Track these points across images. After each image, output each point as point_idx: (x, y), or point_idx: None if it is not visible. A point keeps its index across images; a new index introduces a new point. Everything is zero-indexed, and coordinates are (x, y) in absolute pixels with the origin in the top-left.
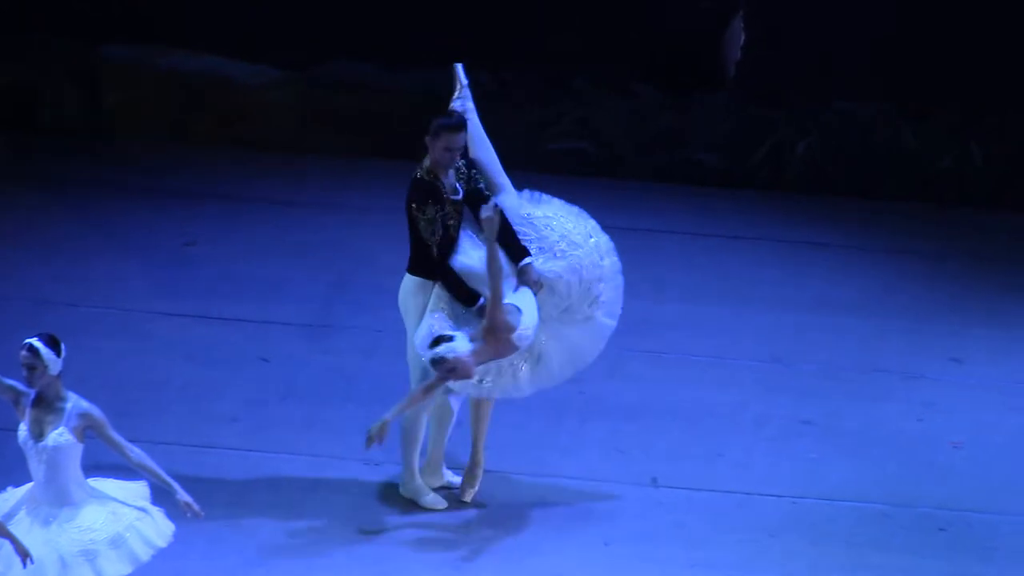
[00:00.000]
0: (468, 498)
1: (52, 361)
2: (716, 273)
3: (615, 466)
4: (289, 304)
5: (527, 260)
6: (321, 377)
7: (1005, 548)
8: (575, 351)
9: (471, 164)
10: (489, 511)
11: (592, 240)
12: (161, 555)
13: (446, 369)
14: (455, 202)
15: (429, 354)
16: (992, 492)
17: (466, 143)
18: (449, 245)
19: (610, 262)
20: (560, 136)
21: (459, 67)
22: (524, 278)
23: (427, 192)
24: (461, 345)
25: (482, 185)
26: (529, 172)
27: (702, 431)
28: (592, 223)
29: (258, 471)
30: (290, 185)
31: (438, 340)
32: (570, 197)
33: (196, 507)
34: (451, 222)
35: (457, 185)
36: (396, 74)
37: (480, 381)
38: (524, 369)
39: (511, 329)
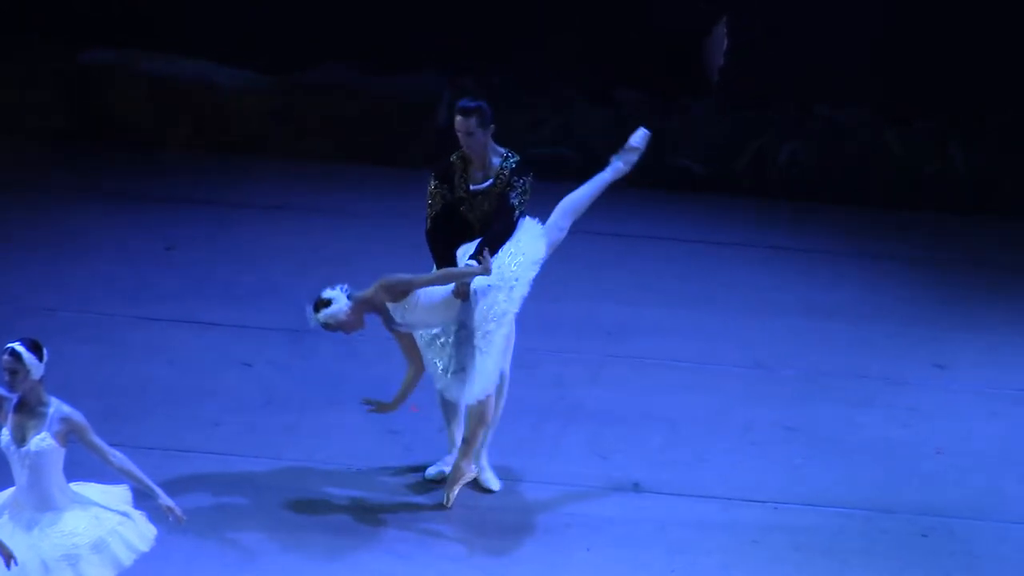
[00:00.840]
0: (449, 503)
1: (34, 366)
2: (699, 278)
3: (597, 471)
4: (272, 308)
5: (474, 263)
6: (303, 382)
7: (987, 555)
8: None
9: (520, 173)
10: (471, 516)
11: (501, 294)
12: (143, 559)
13: (334, 331)
14: (471, 191)
15: (313, 320)
16: (975, 498)
17: (473, 132)
18: (457, 225)
19: (488, 329)
20: (543, 142)
21: (642, 133)
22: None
23: (438, 168)
24: (338, 306)
25: (514, 194)
26: None
27: (684, 436)
28: (522, 290)
29: (240, 476)
30: (273, 189)
31: (318, 305)
32: (552, 202)
33: (178, 511)
34: (463, 207)
35: (491, 179)
36: (381, 78)
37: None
38: (450, 372)
39: (393, 298)
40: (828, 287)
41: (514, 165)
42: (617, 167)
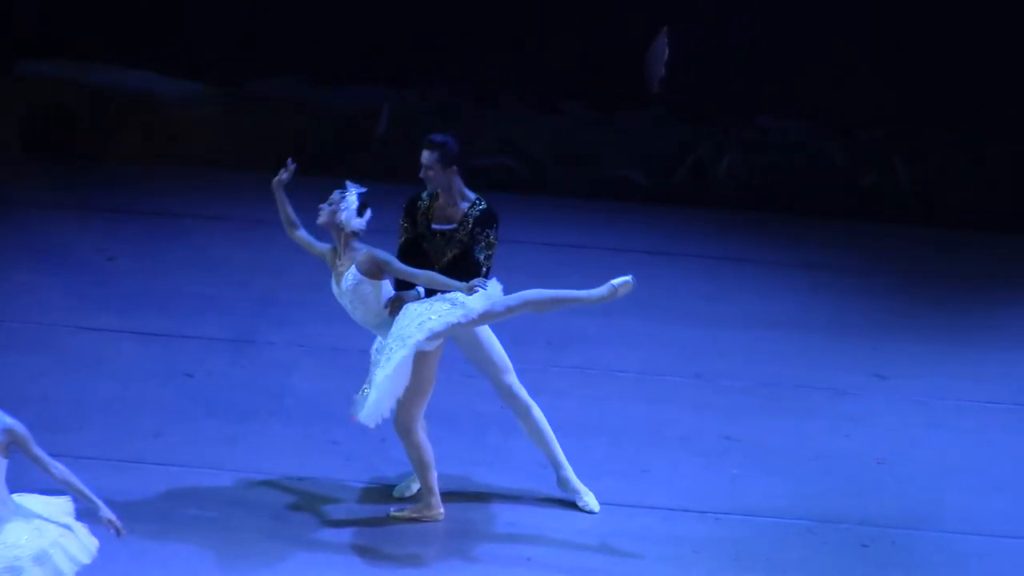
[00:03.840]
0: (392, 515)
1: None
2: (640, 289)
3: (539, 482)
4: (212, 319)
5: (412, 292)
6: (245, 392)
7: (928, 564)
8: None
9: (484, 224)
10: (412, 526)
11: (418, 320)
12: (85, 571)
13: (328, 206)
14: (434, 231)
15: (351, 194)
16: (915, 508)
17: (432, 168)
18: (422, 260)
19: (392, 347)
20: (485, 152)
21: (624, 279)
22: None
23: (407, 201)
24: (355, 211)
25: (478, 248)
26: None
27: (626, 447)
28: (435, 325)
29: (182, 486)
30: (214, 201)
31: (361, 200)
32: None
33: (119, 524)
34: (425, 244)
35: (455, 224)
36: (323, 91)
37: None
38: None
39: (369, 269)
40: (769, 298)
41: (479, 214)
42: (599, 292)
